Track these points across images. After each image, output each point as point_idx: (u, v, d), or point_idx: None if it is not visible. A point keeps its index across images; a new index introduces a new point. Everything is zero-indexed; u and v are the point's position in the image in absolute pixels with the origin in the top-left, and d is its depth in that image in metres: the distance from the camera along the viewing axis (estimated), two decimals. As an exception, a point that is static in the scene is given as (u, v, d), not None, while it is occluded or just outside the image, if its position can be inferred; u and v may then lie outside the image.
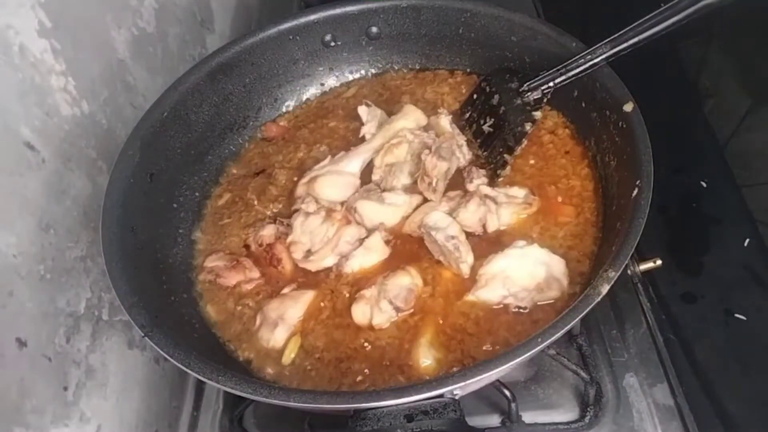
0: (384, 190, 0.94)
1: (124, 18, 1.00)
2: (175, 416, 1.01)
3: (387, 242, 0.89)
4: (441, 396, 0.63)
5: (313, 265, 0.89)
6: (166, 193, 0.94)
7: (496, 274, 0.82)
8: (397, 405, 0.63)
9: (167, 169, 0.93)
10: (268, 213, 0.97)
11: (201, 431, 0.99)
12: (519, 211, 0.89)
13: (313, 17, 1.05)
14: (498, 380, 0.86)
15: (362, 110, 1.04)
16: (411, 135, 0.96)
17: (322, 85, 1.13)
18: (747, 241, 1.05)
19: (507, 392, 0.86)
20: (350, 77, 1.14)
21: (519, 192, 0.90)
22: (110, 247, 0.77)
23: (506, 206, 0.88)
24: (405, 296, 0.82)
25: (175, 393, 1.02)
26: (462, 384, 0.63)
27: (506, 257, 0.83)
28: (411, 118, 1.01)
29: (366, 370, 0.79)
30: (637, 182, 0.76)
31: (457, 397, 0.64)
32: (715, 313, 1.00)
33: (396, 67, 1.13)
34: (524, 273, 0.81)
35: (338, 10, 1.06)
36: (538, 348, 0.64)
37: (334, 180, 0.96)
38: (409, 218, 0.91)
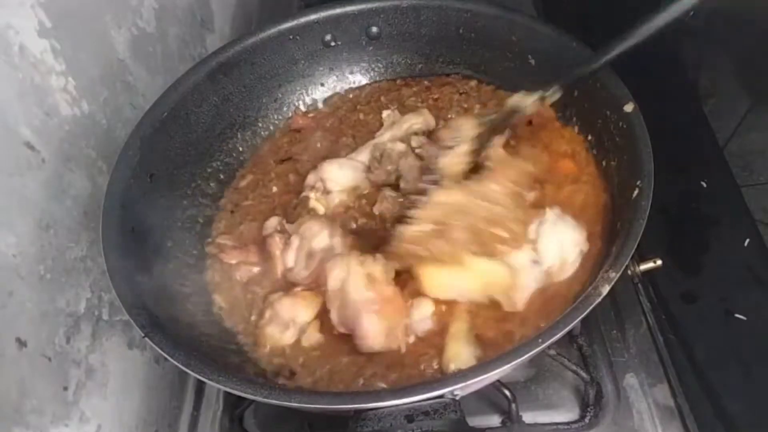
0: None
1: (124, 18, 1.00)
2: (175, 416, 1.01)
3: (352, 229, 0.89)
4: (441, 396, 0.63)
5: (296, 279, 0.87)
6: (167, 193, 0.93)
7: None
8: (397, 405, 0.63)
9: (167, 169, 0.93)
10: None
11: (201, 431, 0.99)
12: None
13: (313, 17, 1.05)
14: (498, 380, 0.86)
15: (386, 114, 1.05)
16: (415, 141, 0.97)
17: (323, 85, 1.13)
18: (747, 241, 1.05)
19: (507, 392, 0.86)
20: (350, 77, 1.14)
21: None
22: (110, 247, 0.77)
23: None
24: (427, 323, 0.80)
25: (175, 393, 1.02)
26: (462, 384, 0.63)
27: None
28: (421, 119, 1.01)
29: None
30: (638, 183, 0.76)
31: (457, 398, 0.64)
32: (715, 313, 1.00)
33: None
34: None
35: (338, 10, 1.06)
36: (539, 348, 0.64)
37: (342, 162, 0.97)
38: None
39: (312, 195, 0.95)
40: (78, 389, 0.79)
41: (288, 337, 0.82)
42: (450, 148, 0.85)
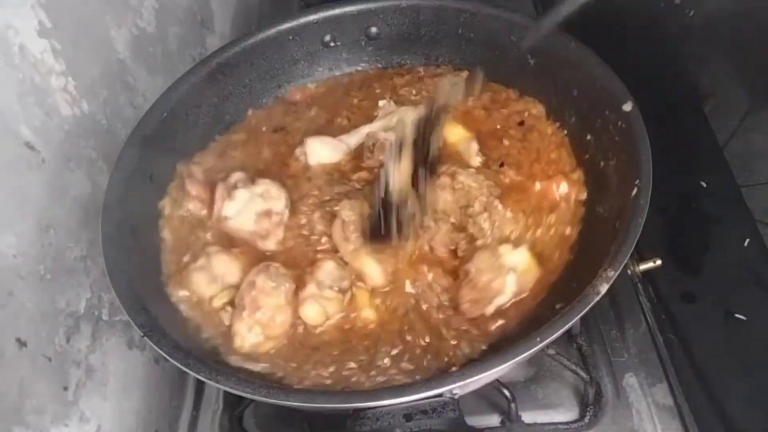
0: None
1: (124, 18, 1.00)
2: (175, 416, 1.01)
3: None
4: (440, 395, 0.63)
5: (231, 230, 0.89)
6: (167, 193, 0.93)
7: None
8: (396, 404, 0.63)
9: (167, 169, 0.93)
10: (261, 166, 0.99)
11: (201, 431, 0.99)
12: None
13: (312, 17, 1.05)
14: (497, 380, 0.86)
15: (382, 103, 1.05)
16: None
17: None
18: (747, 241, 1.05)
19: (506, 392, 0.86)
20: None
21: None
22: (110, 247, 0.77)
23: None
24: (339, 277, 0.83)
25: (175, 393, 1.02)
26: (461, 383, 0.63)
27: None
28: (416, 113, 1.00)
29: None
30: (637, 182, 0.76)
31: (456, 397, 0.64)
32: (715, 313, 1.00)
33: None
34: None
35: (338, 11, 1.06)
36: (538, 347, 0.64)
37: (328, 142, 0.99)
38: None
39: (293, 164, 0.98)
40: (78, 389, 0.79)
41: (210, 290, 0.83)
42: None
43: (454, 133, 0.99)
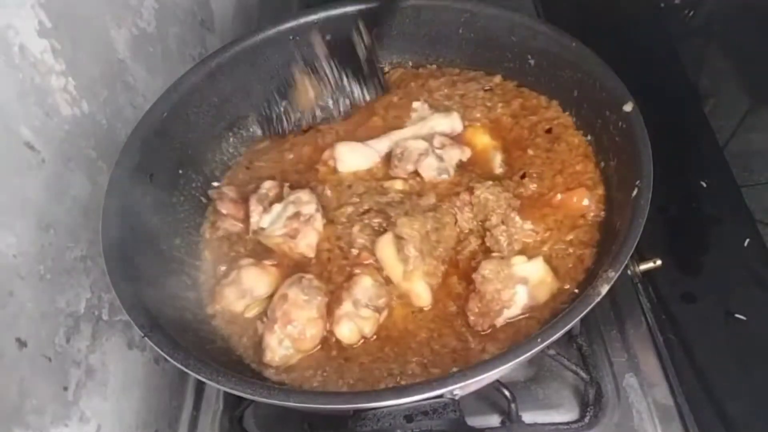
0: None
1: (124, 18, 1.00)
2: (175, 416, 1.01)
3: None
4: (441, 396, 0.63)
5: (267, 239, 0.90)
6: (167, 193, 0.93)
7: None
8: (396, 405, 0.63)
9: (167, 169, 0.93)
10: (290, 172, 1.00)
11: (201, 431, 0.99)
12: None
13: (313, 17, 1.05)
14: (498, 380, 0.86)
15: (416, 104, 1.04)
16: (437, 141, 0.97)
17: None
18: (747, 241, 1.05)
19: (507, 392, 0.86)
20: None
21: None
22: (110, 247, 0.77)
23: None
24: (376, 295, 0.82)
25: (175, 393, 1.02)
26: (462, 384, 0.63)
27: None
28: (447, 121, 1.00)
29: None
30: (637, 182, 0.76)
31: (456, 398, 0.64)
32: (715, 313, 1.00)
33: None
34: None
35: (338, 11, 1.05)
36: (538, 348, 0.64)
37: (358, 148, 0.98)
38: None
39: (321, 168, 0.97)
40: (78, 389, 0.79)
41: (240, 305, 0.84)
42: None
43: (481, 140, 0.99)
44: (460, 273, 0.85)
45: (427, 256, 0.83)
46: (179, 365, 0.68)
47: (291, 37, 1.05)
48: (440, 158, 0.94)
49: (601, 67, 0.90)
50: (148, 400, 0.95)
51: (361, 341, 0.81)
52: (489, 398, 0.91)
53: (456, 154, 0.95)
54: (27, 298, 0.73)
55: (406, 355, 0.79)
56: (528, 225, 0.86)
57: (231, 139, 1.05)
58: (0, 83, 0.73)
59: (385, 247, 0.84)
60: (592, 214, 0.87)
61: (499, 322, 0.79)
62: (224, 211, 0.93)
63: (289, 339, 0.79)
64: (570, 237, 0.85)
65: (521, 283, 0.79)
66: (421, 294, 0.83)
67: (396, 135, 1.00)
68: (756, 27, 1.05)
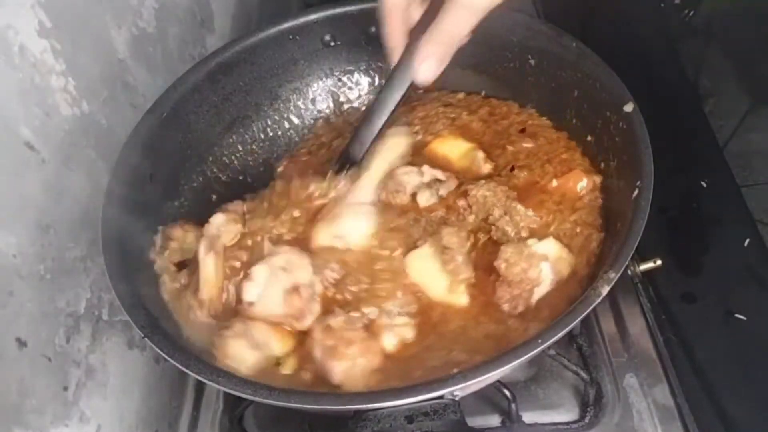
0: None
1: (124, 18, 1.00)
2: (175, 416, 1.01)
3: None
4: (441, 397, 0.63)
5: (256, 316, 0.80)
6: (167, 193, 0.93)
7: None
8: (397, 406, 0.63)
9: (167, 169, 0.93)
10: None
11: (201, 431, 0.99)
12: None
13: (313, 17, 1.05)
14: (498, 381, 0.86)
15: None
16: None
17: (323, 85, 1.13)
18: (747, 241, 1.05)
19: (507, 392, 0.86)
20: (351, 78, 1.13)
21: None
22: (110, 247, 0.77)
23: None
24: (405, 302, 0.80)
25: (175, 393, 1.02)
26: (462, 385, 0.63)
27: None
28: (395, 141, 0.97)
29: None
30: (638, 183, 0.76)
31: (457, 398, 0.64)
32: (715, 313, 1.00)
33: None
34: None
35: (338, 10, 1.05)
36: (539, 349, 0.64)
37: (355, 213, 0.88)
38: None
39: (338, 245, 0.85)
40: (78, 389, 0.79)
41: (252, 357, 0.75)
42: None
43: (456, 148, 0.97)
44: (479, 267, 0.84)
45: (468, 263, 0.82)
46: (179, 365, 0.68)
47: (291, 37, 1.05)
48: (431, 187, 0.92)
49: (601, 67, 0.90)
50: (148, 400, 0.95)
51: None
52: (489, 398, 0.91)
53: (448, 186, 0.91)
54: (27, 298, 0.72)
55: (447, 348, 0.77)
56: (530, 212, 0.86)
57: (231, 139, 1.05)
58: (0, 83, 0.73)
59: (423, 260, 0.81)
60: (587, 198, 0.88)
61: (532, 302, 0.79)
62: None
63: (355, 359, 0.73)
64: (573, 218, 0.86)
65: (543, 260, 0.79)
66: (462, 299, 0.81)
67: (367, 180, 0.93)
68: (756, 27, 1.05)
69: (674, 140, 1.11)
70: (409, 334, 0.78)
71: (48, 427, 0.73)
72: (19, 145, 0.75)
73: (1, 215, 0.71)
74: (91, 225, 0.84)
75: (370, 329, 0.78)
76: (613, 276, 0.68)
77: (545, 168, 0.92)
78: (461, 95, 1.06)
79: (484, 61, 1.06)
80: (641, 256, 0.96)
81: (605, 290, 0.68)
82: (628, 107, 0.83)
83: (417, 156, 0.97)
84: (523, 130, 0.98)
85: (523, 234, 0.84)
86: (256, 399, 0.66)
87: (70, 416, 0.77)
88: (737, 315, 0.98)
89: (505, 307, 0.79)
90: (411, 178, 0.91)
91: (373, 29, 1.08)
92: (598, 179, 0.89)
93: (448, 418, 0.63)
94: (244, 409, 0.97)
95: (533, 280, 0.78)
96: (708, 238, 1.09)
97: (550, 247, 0.81)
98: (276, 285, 0.77)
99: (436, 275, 0.82)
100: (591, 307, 0.67)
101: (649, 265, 0.95)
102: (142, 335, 0.70)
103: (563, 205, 0.87)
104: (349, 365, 0.73)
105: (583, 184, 0.88)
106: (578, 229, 0.85)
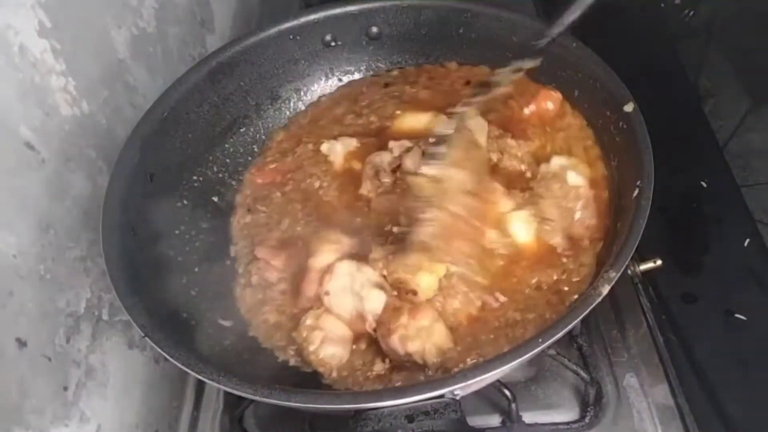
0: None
1: (124, 18, 1.00)
2: (175, 416, 1.01)
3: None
4: (442, 396, 0.63)
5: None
6: (167, 193, 0.93)
7: None
8: (397, 405, 0.63)
9: (167, 169, 0.93)
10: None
11: (201, 431, 0.99)
12: None
13: (313, 17, 1.05)
14: (498, 380, 0.86)
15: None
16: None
17: (323, 85, 1.13)
18: (747, 241, 1.05)
19: (507, 392, 0.86)
20: (350, 78, 1.14)
21: None
22: (110, 247, 0.77)
23: None
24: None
25: (175, 393, 1.02)
26: (463, 384, 0.63)
27: None
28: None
29: None
30: (638, 183, 0.76)
31: (457, 398, 0.64)
32: (715, 313, 1.00)
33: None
34: None
35: (338, 10, 1.05)
36: (539, 348, 0.64)
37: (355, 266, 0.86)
38: None
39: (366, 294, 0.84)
40: (78, 389, 0.79)
41: (347, 353, 0.80)
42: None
43: (417, 120, 0.99)
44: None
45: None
46: (179, 365, 0.68)
47: (291, 37, 1.05)
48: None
49: (601, 67, 0.90)
50: (148, 400, 0.95)
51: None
52: (489, 398, 0.91)
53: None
54: (27, 298, 0.72)
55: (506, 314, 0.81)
56: (521, 141, 0.92)
57: (231, 139, 1.05)
58: (0, 83, 0.73)
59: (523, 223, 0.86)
60: (567, 119, 0.94)
61: (578, 230, 0.84)
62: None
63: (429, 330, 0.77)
64: (562, 135, 0.93)
65: (569, 171, 0.86)
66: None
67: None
68: (756, 27, 1.05)
69: (674, 140, 1.11)
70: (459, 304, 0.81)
71: (48, 427, 0.73)
72: (19, 145, 0.75)
73: (1, 215, 0.71)
74: (91, 225, 0.85)
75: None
76: (614, 275, 0.68)
77: (510, 103, 0.96)
78: (395, 72, 1.10)
79: (485, 62, 1.06)
80: (641, 256, 0.96)
81: (605, 290, 0.68)
82: (629, 107, 0.84)
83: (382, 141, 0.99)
84: (467, 83, 1.00)
85: (526, 160, 0.90)
86: (257, 399, 0.66)
87: (70, 416, 0.77)
88: (737, 315, 0.99)
89: (559, 246, 0.83)
90: (382, 157, 0.94)
91: (373, 29, 1.08)
92: (558, 95, 0.94)
93: (449, 418, 0.63)
94: (244, 409, 0.96)
95: (573, 193, 0.84)
96: (708, 238, 1.09)
97: (560, 161, 0.87)
98: (349, 294, 0.82)
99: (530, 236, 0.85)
100: (591, 307, 0.67)
101: (650, 265, 0.95)
102: (142, 335, 0.70)
103: (548, 126, 0.93)
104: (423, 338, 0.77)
105: (551, 104, 0.94)
106: (572, 142, 0.91)
